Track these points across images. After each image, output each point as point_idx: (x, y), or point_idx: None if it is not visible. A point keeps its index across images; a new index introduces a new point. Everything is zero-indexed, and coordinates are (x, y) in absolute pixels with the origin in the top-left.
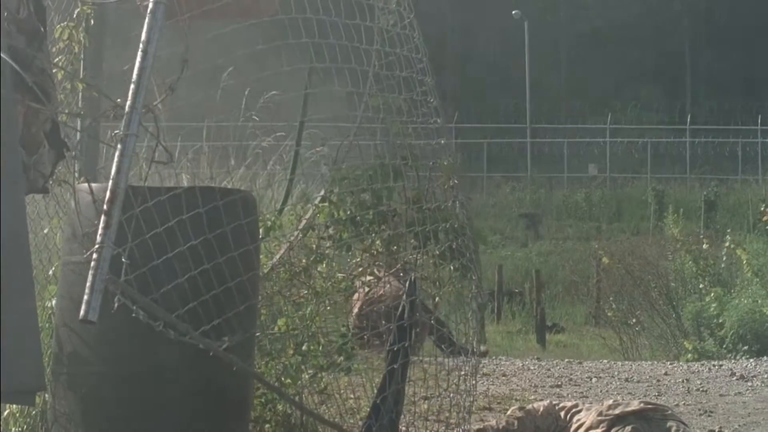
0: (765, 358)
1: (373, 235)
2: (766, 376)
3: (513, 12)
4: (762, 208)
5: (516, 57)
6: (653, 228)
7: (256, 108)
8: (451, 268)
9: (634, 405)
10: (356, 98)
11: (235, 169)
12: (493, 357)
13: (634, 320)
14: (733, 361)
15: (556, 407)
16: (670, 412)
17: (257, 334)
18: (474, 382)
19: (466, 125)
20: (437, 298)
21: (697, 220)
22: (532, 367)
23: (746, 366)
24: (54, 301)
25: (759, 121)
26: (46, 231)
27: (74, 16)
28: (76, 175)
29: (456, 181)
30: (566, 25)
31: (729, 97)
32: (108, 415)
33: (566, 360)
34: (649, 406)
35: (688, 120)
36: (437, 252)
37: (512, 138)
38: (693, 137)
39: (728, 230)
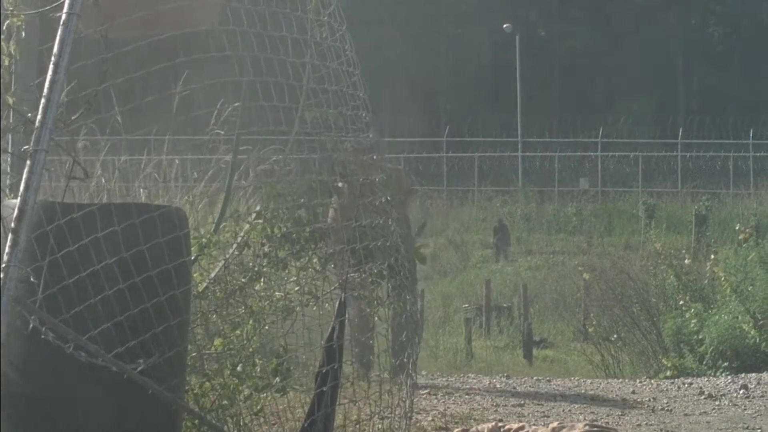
0: (743, 375)
1: (310, 252)
2: (735, 395)
3: (504, 26)
4: (737, 227)
5: (507, 71)
6: (644, 242)
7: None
8: (389, 286)
9: (579, 428)
10: (281, 113)
11: (196, 184)
12: (461, 375)
13: (615, 336)
14: (710, 378)
15: (501, 429)
16: None
17: (193, 353)
18: (410, 405)
19: (457, 139)
20: (376, 318)
21: (688, 234)
22: (498, 385)
23: (718, 384)
24: None
25: (751, 135)
26: None
27: (3, 27)
28: (7, 191)
29: (389, 198)
30: (558, 39)
31: (721, 111)
32: None
33: (534, 378)
34: (595, 428)
35: (680, 134)
36: (375, 270)
37: (503, 152)
38: (685, 151)
39: (714, 245)
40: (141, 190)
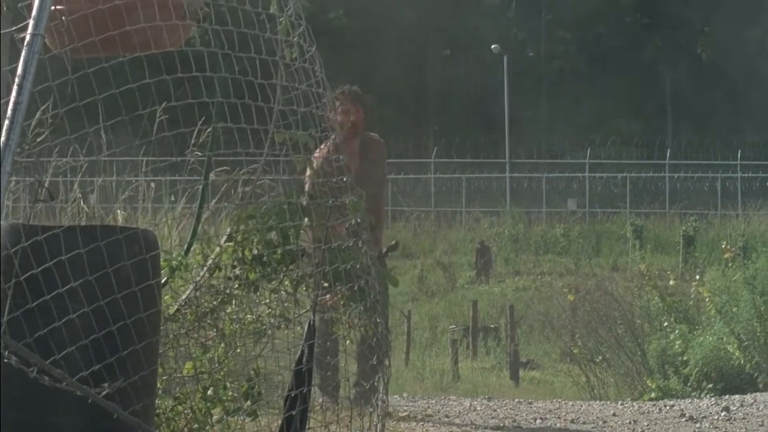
0: (727, 396)
1: (282, 275)
2: (716, 417)
3: (492, 46)
4: (723, 245)
5: (495, 91)
6: (632, 263)
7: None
8: (361, 308)
9: None
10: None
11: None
12: (441, 396)
13: (600, 357)
14: (694, 400)
15: None
16: None
17: (164, 377)
18: (382, 429)
19: (444, 160)
20: (347, 341)
21: (675, 255)
22: (479, 408)
23: (700, 406)
24: None
25: (739, 156)
26: None
27: None
28: None
29: (359, 220)
30: (546, 60)
31: (709, 132)
32: None
33: (516, 400)
34: None
35: (668, 155)
36: (347, 293)
37: (491, 173)
38: (672, 172)
39: (702, 265)
40: (119, 212)
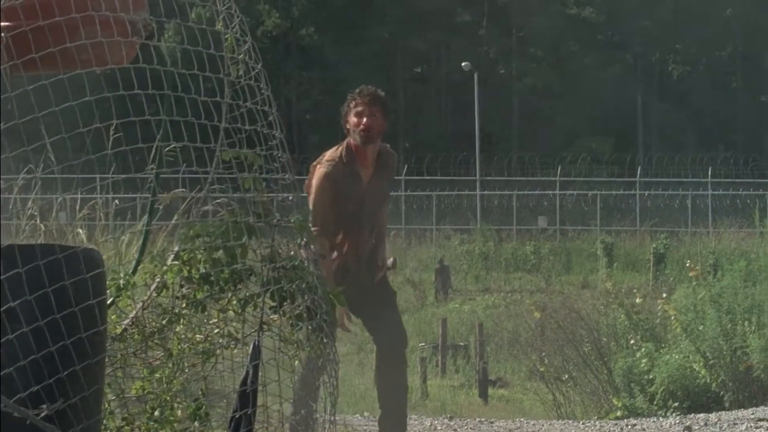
0: (692, 415)
1: (230, 294)
2: None
3: (463, 64)
4: (688, 264)
5: (466, 109)
6: (602, 281)
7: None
8: (309, 328)
9: None
10: (191, 153)
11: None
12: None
13: (566, 376)
14: (658, 419)
15: None
16: None
17: (112, 397)
18: None
19: (415, 177)
20: (296, 362)
21: (646, 273)
22: (439, 427)
23: (663, 425)
24: None
25: (710, 173)
26: None
27: None
28: None
29: (305, 239)
30: (517, 77)
31: (680, 149)
32: None
33: (477, 419)
34: None
35: (638, 172)
36: (295, 312)
37: (462, 190)
38: (643, 189)
39: (673, 283)
40: (79, 230)
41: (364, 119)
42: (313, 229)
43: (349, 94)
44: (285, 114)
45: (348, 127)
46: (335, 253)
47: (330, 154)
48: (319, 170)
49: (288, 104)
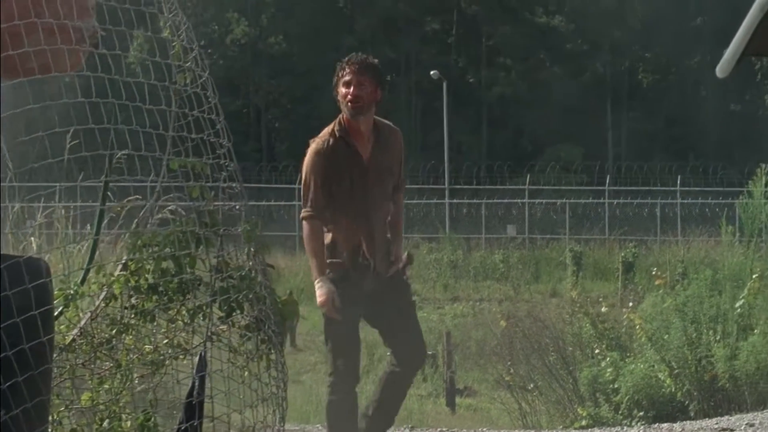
0: (656, 425)
1: (178, 305)
2: None
3: (432, 72)
4: (654, 272)
5: (435, 117)
6: (570, 290)
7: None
8: (259, 340)
9: None
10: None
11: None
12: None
13: (532, 385)
14: (623, 428)
15: None
16: None
17: (61, 408)
18: None
19: None
20: (246, 372)
21: (615, 281)
22: None
23: None
24: None
25: (678, 182)
26: None
27: None
28: None
29: (253, 249)
30: (486, 86)
31: (649, 158)
32: None
33: (439, 429)
34: None
35: (607, 181)
36: (244, 323)
37: (430, 199)
38: (612, 198)
39: (641, 291)
40: (32, 239)
41: (352, 89)
42: (303, 210)
43: (337, 63)
44: (254, 122)
45: (339, 99)
46: (333, 236)
47: (324, 130)
48: (311, 147)
49: (257, 112)
